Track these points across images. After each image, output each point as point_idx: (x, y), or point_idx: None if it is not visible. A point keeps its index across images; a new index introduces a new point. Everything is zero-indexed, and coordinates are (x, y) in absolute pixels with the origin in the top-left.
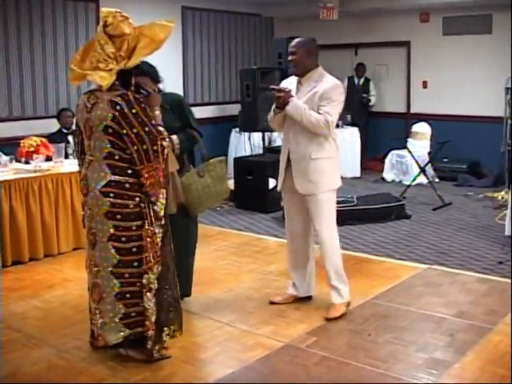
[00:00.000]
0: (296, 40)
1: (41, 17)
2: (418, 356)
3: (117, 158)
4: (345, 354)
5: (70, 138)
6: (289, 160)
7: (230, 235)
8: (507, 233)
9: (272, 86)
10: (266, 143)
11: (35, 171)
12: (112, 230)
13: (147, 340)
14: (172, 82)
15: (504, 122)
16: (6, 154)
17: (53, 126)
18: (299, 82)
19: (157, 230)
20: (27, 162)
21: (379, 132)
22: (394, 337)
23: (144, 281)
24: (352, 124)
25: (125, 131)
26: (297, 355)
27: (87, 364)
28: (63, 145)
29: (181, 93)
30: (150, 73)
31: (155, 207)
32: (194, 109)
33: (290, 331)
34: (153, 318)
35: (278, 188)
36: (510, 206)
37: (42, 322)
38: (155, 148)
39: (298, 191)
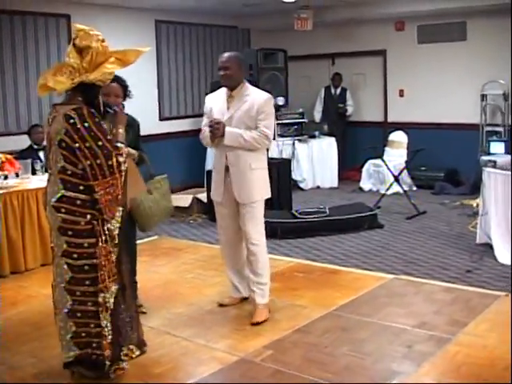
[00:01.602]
0: (227, 54)
1: (11, 32)
2: (373, 368)
3: (69, 173)
4: (299, 368)
5: (41, 153)
6: (226, 172)
7: (200, 248)
8: (478, 241)
9: (210, 122)
10: None
11: (0, 188)
12: (65, 246)
13: (103, 360)
14: (147, 95)
15: (480, 128)
16: None
17: (24, 142)
18: (230, 96)
19: (111, 249)
20: None
21: (357, 141)
22: (351, 349)
23: (100, 299)
24: (329, 134)
25: (77, 145)
26: (250, 369)
27: (38, 381)
28: (30, 161)
29: (156, 106)
30: (120, 81)
31: (109, 225)
32: (169, 122)
33: (247, 345)
34: (109, 338)
35: (218, 199)
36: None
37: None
38: (110, 163)
39: (234, 201)
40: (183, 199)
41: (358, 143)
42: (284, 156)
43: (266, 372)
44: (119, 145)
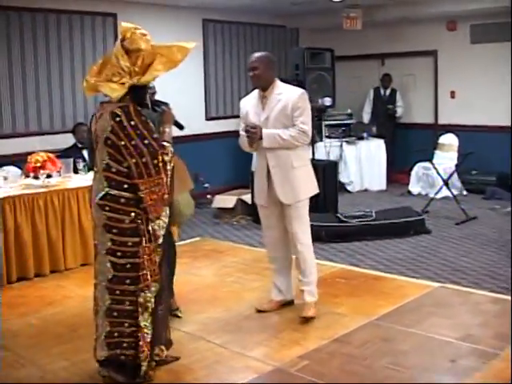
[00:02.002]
0: (256, 55)
1: (57, 32)
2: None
3: (114, 170)
4: (335, 380)
5: (85, 152)
6: (268, 174)
7: (242, 251)
8: None
9: (246, 127)
10: None
11: (42, 186)
12: (109, 244)
13: (134, 361)
14: (193, 95)
15: None
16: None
17: (69, 140)
18: (263, 97)
19: (154, 249)
20: (36, 178)
21: (406, 143)
22: (391, 362)
23: (140, 299)
24: (378, 136)
25: (123, 142)
26: (284, 380)
27: None
28: (71, 160)
29: (203, 106)
30: None
31: (153, 225)
32: (215, 122)
33: (283, 354)
34: (148, 339)
35: (262, 202)
36: None
37: (33, 340)
38: (155, 162)
39: (279, 202)
40: (227, 200)
41: (408, 145)
42: (331, 158)
43: None
44: (166, 144)
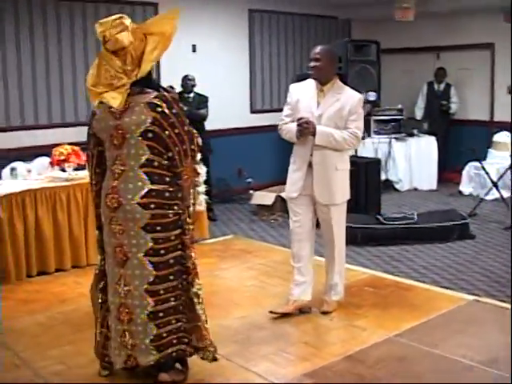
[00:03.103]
0: (321, 47)
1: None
2: None
3: (156, 164)
4: None
5: None
6: (308, 169)
7: (272, 252)
8: None
9: (299, 120)
10: None
11: (67, 180)
12: (150, 244)
13: (190, 353)
14: (238, 88)
15: None
16: None
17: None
18: (321, 90)
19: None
20: (63, 170)
21: (460, 141)
22: None
23: (194, 290)
24: (430, 132)
25: (167, 133)
26: None
27: None
28: None
29: (248, 99)
30: None
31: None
32: (260, 116)
33: (288, 370)
34: (207, 325)
35: (294, 195)
36: None
37: (35, 340)
38: (193, 147)
39: (311, 199)
40: (266, 197)
41: (461, 143)
42: (379, 155)
43: None
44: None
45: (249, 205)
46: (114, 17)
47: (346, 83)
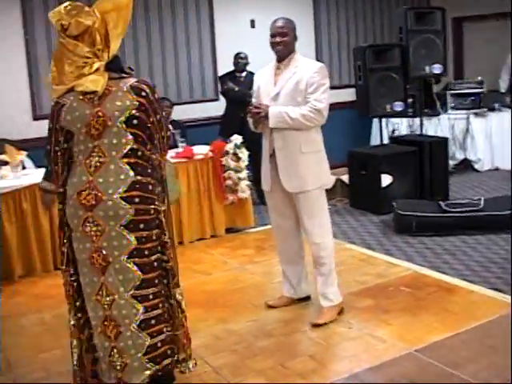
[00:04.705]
0: (284, 19)
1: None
2: None
3: (139, 154)
4: None
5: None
6: (271, 156)
7: None
8: None
9: (250, 107)
10: (389, 132)
11: None
12: (134, 244)
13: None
14: None
15: None
16: None
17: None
18: (277, 68)
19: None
20: None
21: None
22: None
23: (178, 296)
24: None
25: (151, 119)
26: None
27: None
28: None
29: None
30: None
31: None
32: (335, 92)
33: None
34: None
35: (267, 188)
36: None
37: (30, 342)
38: (168, 134)
39: (284, 189)
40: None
41: None
42: (456, 132)
43: None
44: None
45: None
46: (64, 4)
47: (406, 56)
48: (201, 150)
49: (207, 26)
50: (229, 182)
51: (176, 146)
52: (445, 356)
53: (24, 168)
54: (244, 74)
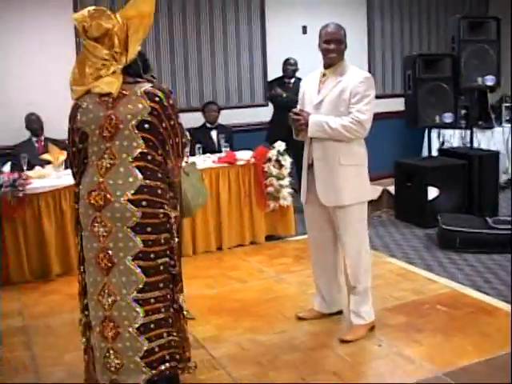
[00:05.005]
0: (336, 25)
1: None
2: None
3: (149, 158)
4: None
5: (214, 133)
6: (310, 167)
7: None
8: None
9: (290, 113)
10: (437, 144)
11: None
12: (141, 246)
13: (180, 369)
14: None
15: None
16: None
17: (198, 120)
18: (323, 75)
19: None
20: None
21: None
22: None
23: (180, 301)
24: None
25: (164, 124)
26: None
27: None
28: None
29: None
30: None
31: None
32: (378, 101)
33: None
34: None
35: (302, 199)
36: None
37: (59, 341)
38: (184, 140)
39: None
40: (373, 190)
41: None
42: (510, 146)
43: None
44: None
45: None
46: (88, 8)
47: (457, 66)
48: (243, 156)
49: (258, 31)
50: (270, 189)
51: (220, 151)
52: (474, 382)
53: (66, 168)
54: (293, 80)
